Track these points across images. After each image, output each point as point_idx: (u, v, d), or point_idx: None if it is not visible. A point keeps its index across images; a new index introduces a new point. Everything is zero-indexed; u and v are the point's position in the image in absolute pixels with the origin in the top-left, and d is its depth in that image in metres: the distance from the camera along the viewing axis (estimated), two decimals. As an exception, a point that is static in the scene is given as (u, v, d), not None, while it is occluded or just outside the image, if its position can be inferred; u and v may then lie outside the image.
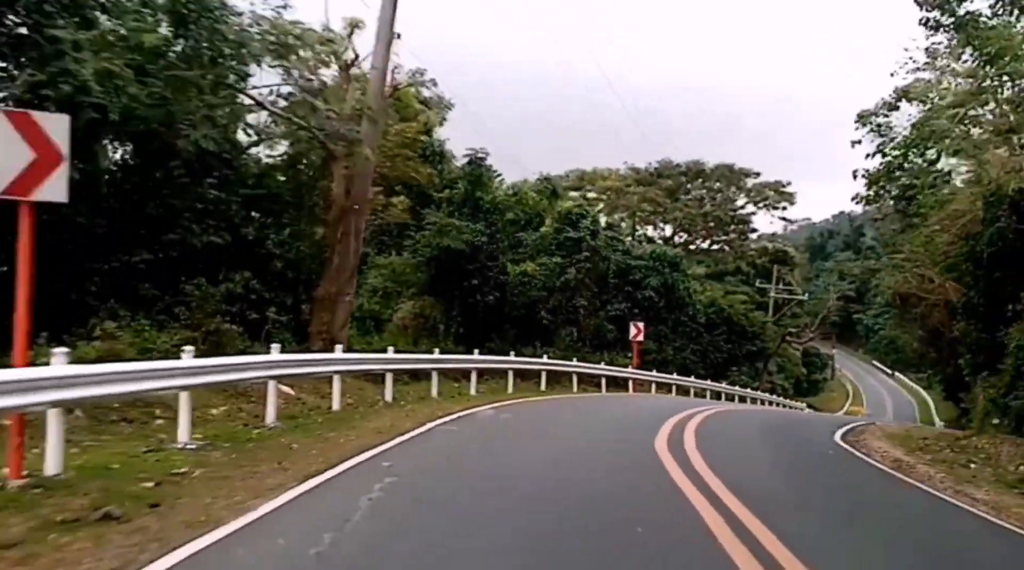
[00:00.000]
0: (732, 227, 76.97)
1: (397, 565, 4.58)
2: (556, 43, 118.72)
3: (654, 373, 28.12)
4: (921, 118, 24.71)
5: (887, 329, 63.42)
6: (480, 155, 25.61)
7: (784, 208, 75.87)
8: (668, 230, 76.97)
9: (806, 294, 69.47)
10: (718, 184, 75.81)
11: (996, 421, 17.00)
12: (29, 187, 5.65)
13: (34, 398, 5.67)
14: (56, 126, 5.77)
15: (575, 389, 22.65)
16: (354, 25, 16.56)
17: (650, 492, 7.14)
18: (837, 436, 14.54)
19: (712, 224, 76.75)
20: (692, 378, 31.45)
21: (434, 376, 15.82)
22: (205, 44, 13.47)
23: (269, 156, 18.27)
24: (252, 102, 15.14)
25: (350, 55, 16.88)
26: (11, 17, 11.40)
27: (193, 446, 7.80)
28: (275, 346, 10.55)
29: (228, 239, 14.76)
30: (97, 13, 12.75)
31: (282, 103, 15.39)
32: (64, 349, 6.25)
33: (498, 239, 25.10)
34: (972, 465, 12.34)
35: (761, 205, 76.20)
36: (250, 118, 16.99)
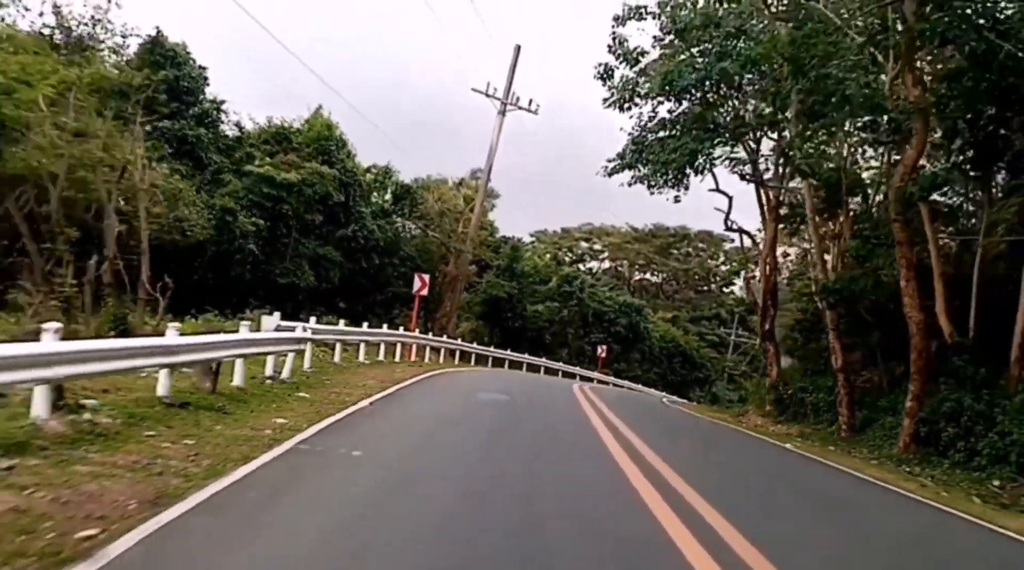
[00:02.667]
0: (712, 281, 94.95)
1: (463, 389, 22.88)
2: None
3: (612, 376, 46.01)
4: None
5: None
6: (518, 241, 44.20)
7: (752, 269, 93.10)
8: (660, 278, 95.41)
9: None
10: (701, 245, 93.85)
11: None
12: (420, 290, 24.22)
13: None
14: (427, 278, 24.30)
15: (560, 377, 40.84)
16: (463, 192, 35.31)
17: (563, 393, 25.35)
18: (665, 400, 32.69)
19: (696, 277, 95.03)
20: (639, 384, 49.18)
21: (490, 359, 34.10)
22: (407, 210, 32.13)
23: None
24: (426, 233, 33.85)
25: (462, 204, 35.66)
26: (348, 201, 30.03)
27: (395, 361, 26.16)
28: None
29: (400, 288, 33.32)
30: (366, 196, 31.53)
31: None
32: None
33: (523, 291, 43.48)
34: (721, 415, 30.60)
35: (736, 265, 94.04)
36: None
